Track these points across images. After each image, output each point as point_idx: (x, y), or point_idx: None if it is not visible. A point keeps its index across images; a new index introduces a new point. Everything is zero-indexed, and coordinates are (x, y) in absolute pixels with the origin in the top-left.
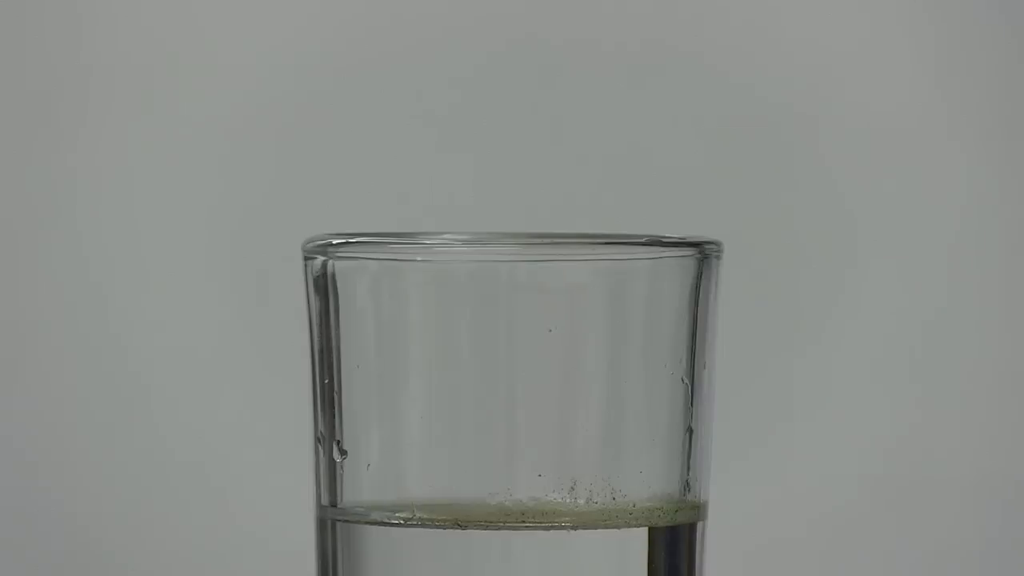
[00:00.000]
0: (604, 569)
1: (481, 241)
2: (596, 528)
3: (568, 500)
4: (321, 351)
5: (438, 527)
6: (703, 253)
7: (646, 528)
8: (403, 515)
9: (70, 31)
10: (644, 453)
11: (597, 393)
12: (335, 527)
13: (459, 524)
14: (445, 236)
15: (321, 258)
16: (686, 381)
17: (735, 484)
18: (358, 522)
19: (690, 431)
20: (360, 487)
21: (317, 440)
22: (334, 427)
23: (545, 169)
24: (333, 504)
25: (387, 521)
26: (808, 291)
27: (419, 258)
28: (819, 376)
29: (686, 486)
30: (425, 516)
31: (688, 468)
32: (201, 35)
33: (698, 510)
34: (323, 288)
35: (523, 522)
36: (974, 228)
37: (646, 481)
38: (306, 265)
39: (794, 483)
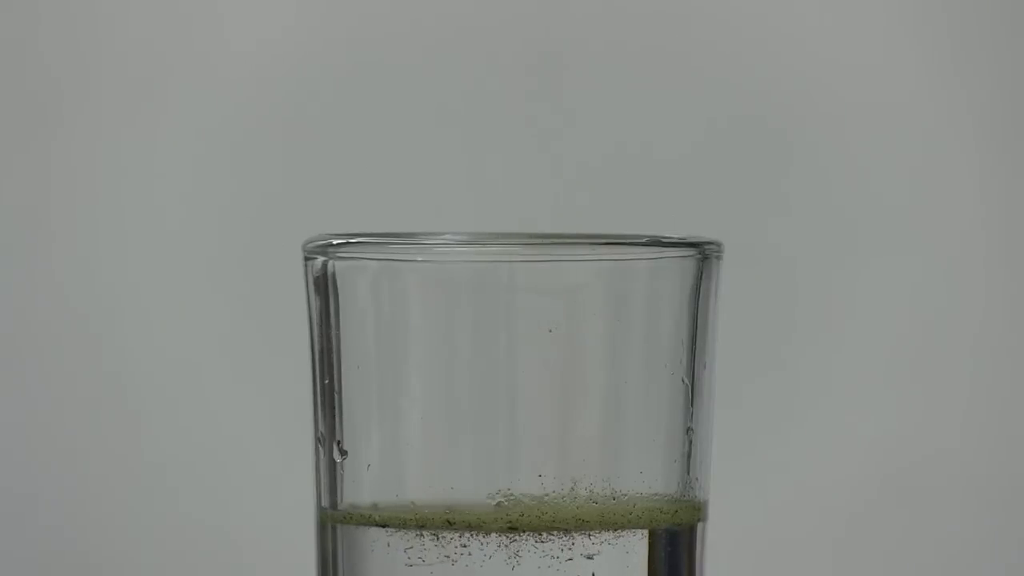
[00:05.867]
0: (604, 570)
1: (481, 241)
2: (596, 528)
3: (568, 500)
4: (321, 351)
5: (438, 528)
6: (703, 253)
7: (646, 528)
8: (403, 516)
9: (71, 32)
10: (644, 453)
11: (597, 393)
12: (335, 528)
13: (459, 525)
14: (445, 236)
15: (321, 258)
16: (686, 381)
17: (735, 484)
18: (358, 523)
19: (690, 431)
20: (360, 487)
21: (317, 440)
22: (334, 427)
23: (545, 169)
24: (333, 505)
25: (387, 522)
26: (808, 291)
27: (419, 258)
28: (819, 376)
29: (686, 486)
30: (425, 516)
31: (688, 468)
32: (203, 35)
33: (698, 510)
34: (323, 288)
35: (523, 523)
36: (975, 227)
37: (646, 481)
38: (306, 265)
39: (794, 483)
